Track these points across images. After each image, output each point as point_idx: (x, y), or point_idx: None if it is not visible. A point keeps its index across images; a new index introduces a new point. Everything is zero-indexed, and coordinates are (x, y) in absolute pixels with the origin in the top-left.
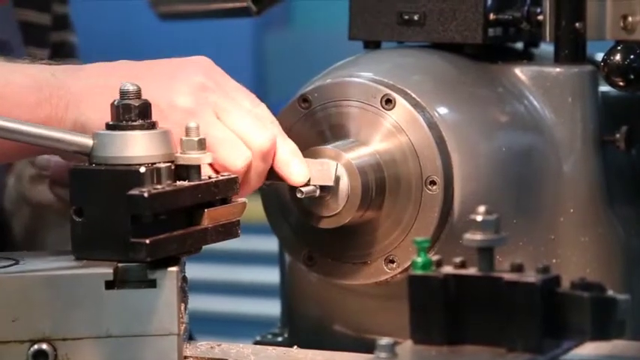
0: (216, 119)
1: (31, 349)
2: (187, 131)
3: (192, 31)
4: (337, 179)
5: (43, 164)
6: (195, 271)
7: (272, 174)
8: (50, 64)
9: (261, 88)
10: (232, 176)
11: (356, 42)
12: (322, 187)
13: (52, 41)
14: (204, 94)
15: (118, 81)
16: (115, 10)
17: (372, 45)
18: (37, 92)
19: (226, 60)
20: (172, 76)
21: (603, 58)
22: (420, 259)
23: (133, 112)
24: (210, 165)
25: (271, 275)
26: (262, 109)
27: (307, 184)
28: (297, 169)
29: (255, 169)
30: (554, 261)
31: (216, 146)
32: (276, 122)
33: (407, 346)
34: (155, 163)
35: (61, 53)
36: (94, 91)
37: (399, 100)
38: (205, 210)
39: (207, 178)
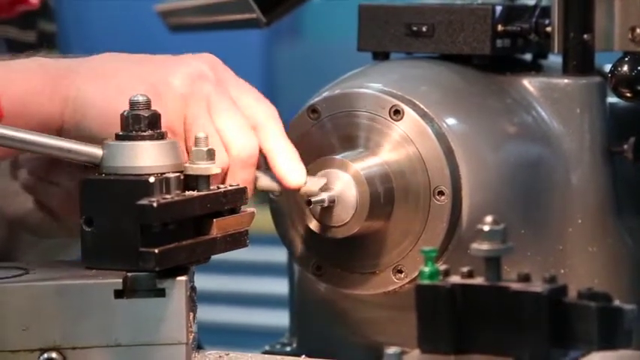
0: (205, 113)
1: (41, 357)
2: (196, 141)
3: (203, 42)
4: (321, 191)
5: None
6: (206, 281)
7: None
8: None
9: (271, 99)
10: (241, 186)
11: (366, 53)
12: (330, 198)
13: None
14: (200, 83)
15: (123, 64)
16: (126, 20)
17: (381, 56)
18: (43, 73)
19: (236, 71)
20: (174, 62)
21: (611, 70)
22: (427, 269)
23: (142, 123)
24: None
25: (280, 285)
26: (265, 108)
27: (312, 194)
28: (292, 171)
29: (232, 174)
30: (562, 271)
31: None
32: (279, 123)
33: (414, 355)
34: (164, 173)
35: None
36: (98, 72)
37: (408, 110)
38: (214, 220)
39: (215, 188)
